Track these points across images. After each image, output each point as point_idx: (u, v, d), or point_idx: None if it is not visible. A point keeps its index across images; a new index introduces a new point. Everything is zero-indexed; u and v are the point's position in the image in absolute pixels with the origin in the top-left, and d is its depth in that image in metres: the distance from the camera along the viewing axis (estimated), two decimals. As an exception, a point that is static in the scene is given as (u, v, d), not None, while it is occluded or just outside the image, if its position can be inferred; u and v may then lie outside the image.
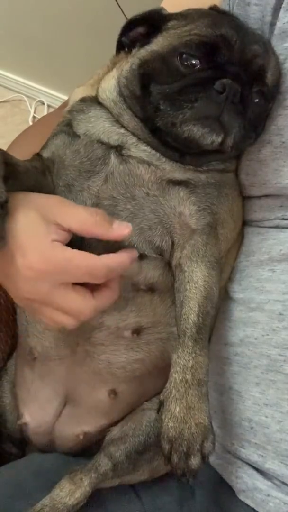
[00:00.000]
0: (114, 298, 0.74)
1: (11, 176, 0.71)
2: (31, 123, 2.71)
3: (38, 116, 2.76)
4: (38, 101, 2.81)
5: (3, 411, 0.91)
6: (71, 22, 2.32)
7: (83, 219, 0.70)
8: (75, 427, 0.85)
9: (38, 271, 0.67)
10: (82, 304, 0.69)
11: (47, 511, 0.71)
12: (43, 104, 2.80)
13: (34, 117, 2.77)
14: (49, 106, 2.75)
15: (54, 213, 0.69)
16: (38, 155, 0.85)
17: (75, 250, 0.68)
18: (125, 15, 1.89)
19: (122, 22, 0.83)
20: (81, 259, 0.68)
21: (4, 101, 2.87)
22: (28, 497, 0.74)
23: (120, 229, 0.71)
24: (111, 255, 0.71)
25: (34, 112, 2.79)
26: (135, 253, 0.75)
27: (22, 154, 0.86)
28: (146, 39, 0.81)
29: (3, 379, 0.94)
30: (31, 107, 2.81)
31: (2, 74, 2.89)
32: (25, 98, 2.84)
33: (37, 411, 0.86)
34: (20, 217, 0.68)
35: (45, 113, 2.72)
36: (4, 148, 0.98)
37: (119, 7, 1.92)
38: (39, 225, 0.68)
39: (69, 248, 0.68)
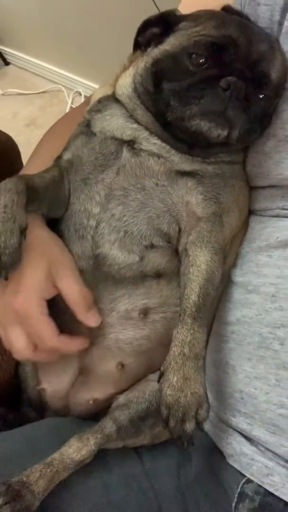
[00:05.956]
0: (44, 360, 0.87)
1: (31, 200, 0.81)
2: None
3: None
4: (76, 91, 2.87)
5: (25, 377, 0.99)
6: (107, 16, 2.37)
7: (73, 292, 0.82)
8: (86, 394, 0.93)
9: (16, 309, 0.80)
10: (20, 349, 0.81)
11: (56, 464, 0.78)
12: (80, 94, 2.85)
13: (71, 107, 2.83)
14: (85, 96, 2.80)
15: (57, 271, 0.81)
16: (58, 158, 0.93)
17: (48, 320, 0.80)
18: (158, 8, 1.94)
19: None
20: (45, 328, 0.80)
21: (43, 92, 2.95)
22: (41, 453, 0.81)
23: (91, 319, 0.83)
24: (66, 340, 0.82)
25: (72, 103, 2.85)
26: (86, 344, 0.86)
27: (49, 156, 0.95)
28: (160, 38, 0.86)
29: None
30: (68, 97, 2.87)
31: (42, 65, 2.96)
32: (63, 89, 2.90)
33: (54, 378, 0.94)
34: (33, 263, 0.79)
35: (82, 103, 2.79)
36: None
37: (153, 0, 1.97)
38: (41, 281, 0.80)
39: (46, 314, 0.80)
